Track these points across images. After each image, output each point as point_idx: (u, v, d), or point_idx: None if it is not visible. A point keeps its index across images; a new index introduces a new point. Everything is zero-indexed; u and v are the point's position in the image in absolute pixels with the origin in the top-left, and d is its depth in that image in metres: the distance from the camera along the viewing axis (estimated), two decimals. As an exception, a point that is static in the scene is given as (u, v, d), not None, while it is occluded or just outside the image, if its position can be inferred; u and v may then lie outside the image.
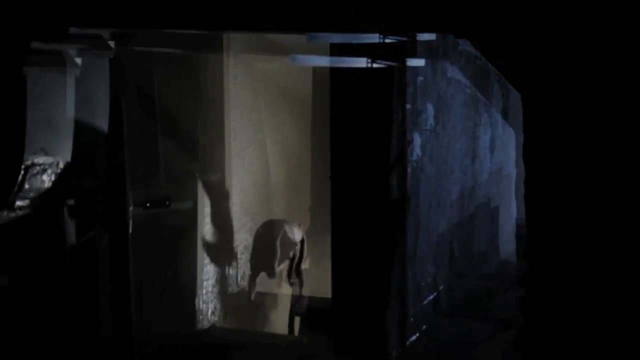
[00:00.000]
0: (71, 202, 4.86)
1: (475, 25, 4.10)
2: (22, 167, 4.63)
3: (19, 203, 4.69)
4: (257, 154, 6.55)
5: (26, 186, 4.66)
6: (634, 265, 3.88)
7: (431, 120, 5.77)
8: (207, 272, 6.12)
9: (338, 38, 4.89)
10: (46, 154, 4.73)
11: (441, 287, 6.13)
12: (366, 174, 5.06)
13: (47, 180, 4.77)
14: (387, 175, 5.08)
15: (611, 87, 3.89)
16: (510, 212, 7.79)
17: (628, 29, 3.84)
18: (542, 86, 4.03)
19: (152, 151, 5.48)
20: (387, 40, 4.78)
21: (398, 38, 4.86)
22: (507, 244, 7.65)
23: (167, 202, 5.19)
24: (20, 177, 4.63)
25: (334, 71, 5.02)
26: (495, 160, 7.55)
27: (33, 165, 4.67)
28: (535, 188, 4.09)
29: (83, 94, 4.91)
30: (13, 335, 4.86)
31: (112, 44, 4.97)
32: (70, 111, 4.78)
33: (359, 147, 5.07)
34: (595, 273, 3.95)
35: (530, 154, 4.11)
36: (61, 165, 4.82)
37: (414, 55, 5.05)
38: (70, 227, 4.86)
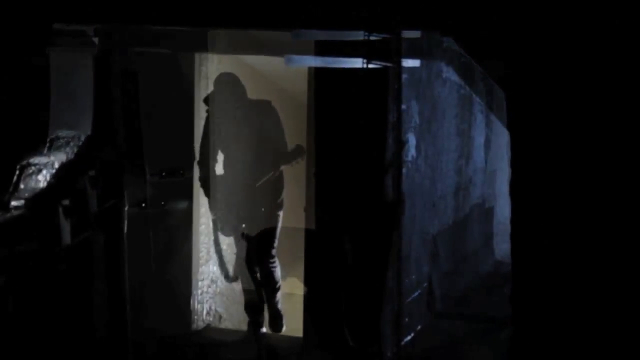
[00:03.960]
0: (66, 202, 4.90)
1: (460, 23, 4.15)
2: (17, 167, 4.68)
3: (13, 203, 4.73)
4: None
5: (21, 186, 4.71)
6: (619, 262, 3.92)
7: (420, 121, 5.81)
8: (202, 272, 6.14)
9: (323, 36, 4.93)
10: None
11: (436, 288, 6.16)
12: (361, 174, 5.09)
13: (42, 180, 4.81)
14: (383, 176, 5.11)
15: (596, 86, 3.91)
16: (505, 213, 7.83)
17: (610, 31, 3.87)
18: (526, 84, 4.04)
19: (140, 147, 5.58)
20: (371, 38, 4.79)
21: (383, 36, 4.87)
22: (502, 244, 7.68)
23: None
24: (15, 177, 4.68)
25: (328, 71, 5.05)
26: (489, 161, 7.59)
27: (28, 165, 4.72)
28: (520, 186, 4.12)
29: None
30: (8, 335, 4.89)
31: (95, 40, 5.14)
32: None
33: (353, 147, 5.10)
34: (580, 271, 3.99)
35: (515, 152, 4.14)
36: (56, 165, 4.87)
37: (399, 53, 5.06)
38: (66, 226, 4.89)
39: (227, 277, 6.05)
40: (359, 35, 4.81)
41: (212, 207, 5.84)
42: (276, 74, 6.59)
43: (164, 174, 5.34)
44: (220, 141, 5.74)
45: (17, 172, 4.71)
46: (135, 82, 4.94)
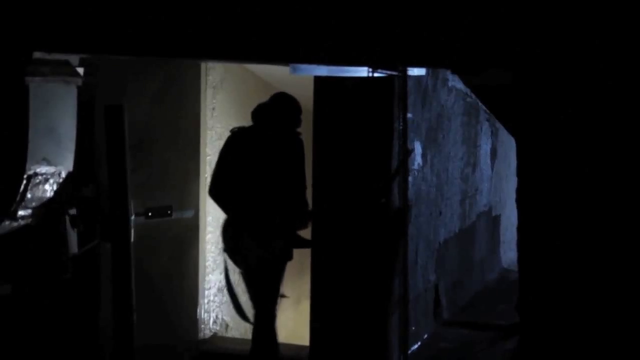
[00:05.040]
0: (73, 211, 4.87)
1: (472, 64, 4.01)
2: (24, 177, 4.63)
3: (21, 212, 4.70)
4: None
5: (28, 196, 4.67)
6: (628, 271, 3.91)
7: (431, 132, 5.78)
8: (209, 281, 6.12)
9: (323, 71, 4.78)
10: (48, 163, 4.73)
11: (442, 296, 6.12)
12: (367, 182, 5.06)
13: (49, 189, 4.78)
14: (389, 184, 5.08)
15: (602, 93, 3.87)
16: (512, 221, 7.80)
17: (618, 76, 3.84)
18: (536, 131, 3.97)
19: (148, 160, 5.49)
20: (375, 75, 4.64)
21: (388, 72, 4.74)
22: (509, 252, 7.65)
23: (169, 212, 5.17)
24: (22, 187, 4.63)
25: (333, 80, 5.00)
26: (496, 169, 7.56)
27: (35, 175, 4.68)
28: (527, 193, 4.07)
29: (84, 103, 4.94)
30: (15, 344, 4.86)
31: (80, 71, 4.85)
32: (72, 121, 4.79)
33: (359, 155, 5.07)
34: (587, 279, 3.96)
35: (521, 160, 4.09)
36: (63, 175, 4.84)
37: (404, 92, 4.92)
38: (72, 236, 4.87)
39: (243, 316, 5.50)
40: (362, 72, 4.67)
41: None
42: (282, 82, 6.58)
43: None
44: (243, 166, 5.22)
45: (24, 182, 4.66)
46: (121, 116, 4.55)
